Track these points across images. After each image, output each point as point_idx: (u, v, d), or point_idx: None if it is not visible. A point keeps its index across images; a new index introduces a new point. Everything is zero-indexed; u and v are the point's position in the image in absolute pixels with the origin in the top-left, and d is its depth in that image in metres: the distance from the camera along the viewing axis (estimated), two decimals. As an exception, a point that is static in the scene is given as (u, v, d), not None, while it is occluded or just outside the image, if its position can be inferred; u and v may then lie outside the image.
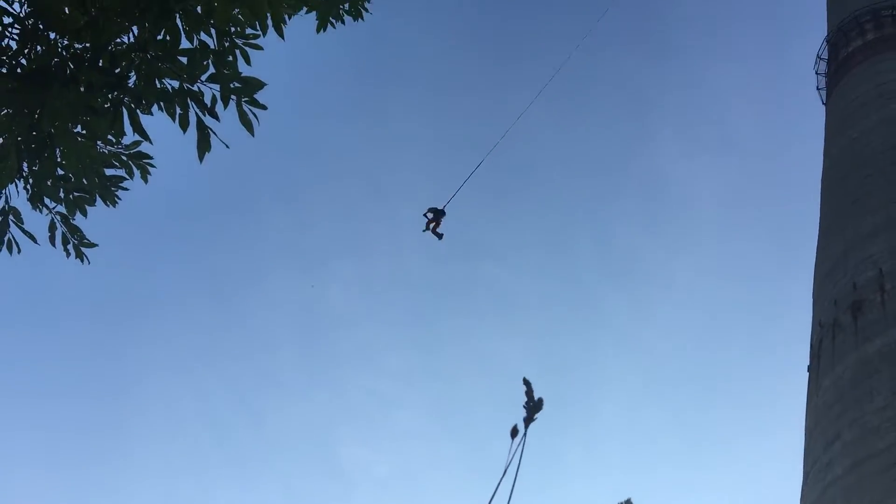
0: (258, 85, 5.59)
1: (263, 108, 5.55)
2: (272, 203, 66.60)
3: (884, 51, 27.87)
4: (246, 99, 5.50)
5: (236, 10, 5.76)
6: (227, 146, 5.50)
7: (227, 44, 5.58)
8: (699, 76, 71.82)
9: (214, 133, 5.49)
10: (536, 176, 68.84)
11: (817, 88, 31.85)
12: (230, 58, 5.56)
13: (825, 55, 31.49)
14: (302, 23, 7.49)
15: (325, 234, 66.09)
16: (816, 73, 31.94)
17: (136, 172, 6.39)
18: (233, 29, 5.60)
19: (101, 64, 5.59)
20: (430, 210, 22.49)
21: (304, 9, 7.29)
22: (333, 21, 8.13)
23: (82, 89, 5.57)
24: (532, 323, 64.69)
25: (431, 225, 22.39)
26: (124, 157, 6.29)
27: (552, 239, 69.51)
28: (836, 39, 30.37)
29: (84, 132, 5.68)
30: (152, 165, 6.40)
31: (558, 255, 67.66)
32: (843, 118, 26.63)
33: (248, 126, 5.49)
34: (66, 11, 5.21)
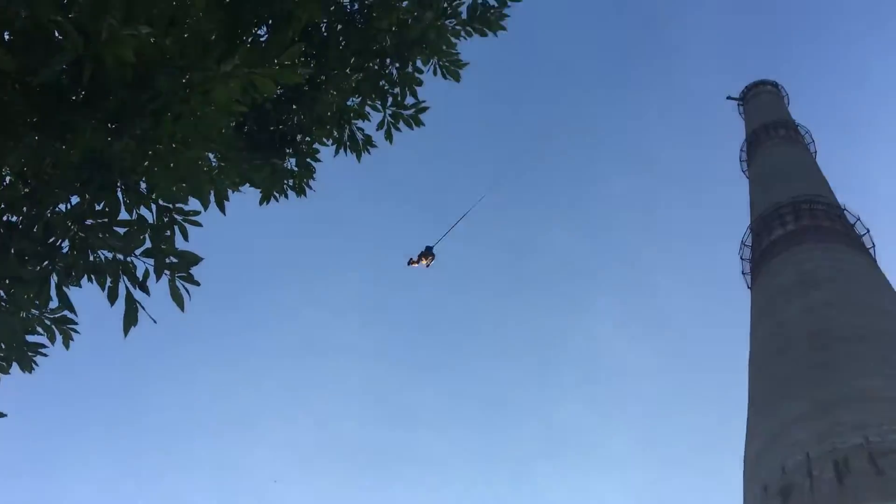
0: (194, 260, 5.51)
1: (197, 284, 5.46)
2: (198, 359, 64.93)
3: (803, 241, 29.52)
4: (180, 274, 5.41)
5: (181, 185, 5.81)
6: (155, 321, 5.36)
7: (166, 219, 5.56)
8: (633, 252, 74.62)
9: (142, 307, 5.36)
10: (477, 345, 68.94)
11: (742, 273, 33.33)
12: (168, 233, 5.52)
13: (749, 242, 33.20)
14: (243, 197, 7.61)
15: (255, 393, 64.22)
16: (741, 258, 33.55)
17: (59, 337, 6.18)
18: (173, 205, 5.60)
19: (35, 230, 5.51)
20: (420, 255, 22.75)
21: (248, 184, 7.43)
22: (277, 195, 8.28)
23: (12, 253, 5.46)
24: (468, 494, 62.70)
25: (427, 263, 22.66)
26: (47, 322, 6.09)
27: (490, 410, 68.75)
28: (759, 229, 32.16)
29: (7, 298, 5.51)
30: (76, 331, 6.20)
31: (495, 426, 66.80)
32: (767, 303, 27.70)
33: (178, 302, 5.37)
34: (6, 182, 5.19)
